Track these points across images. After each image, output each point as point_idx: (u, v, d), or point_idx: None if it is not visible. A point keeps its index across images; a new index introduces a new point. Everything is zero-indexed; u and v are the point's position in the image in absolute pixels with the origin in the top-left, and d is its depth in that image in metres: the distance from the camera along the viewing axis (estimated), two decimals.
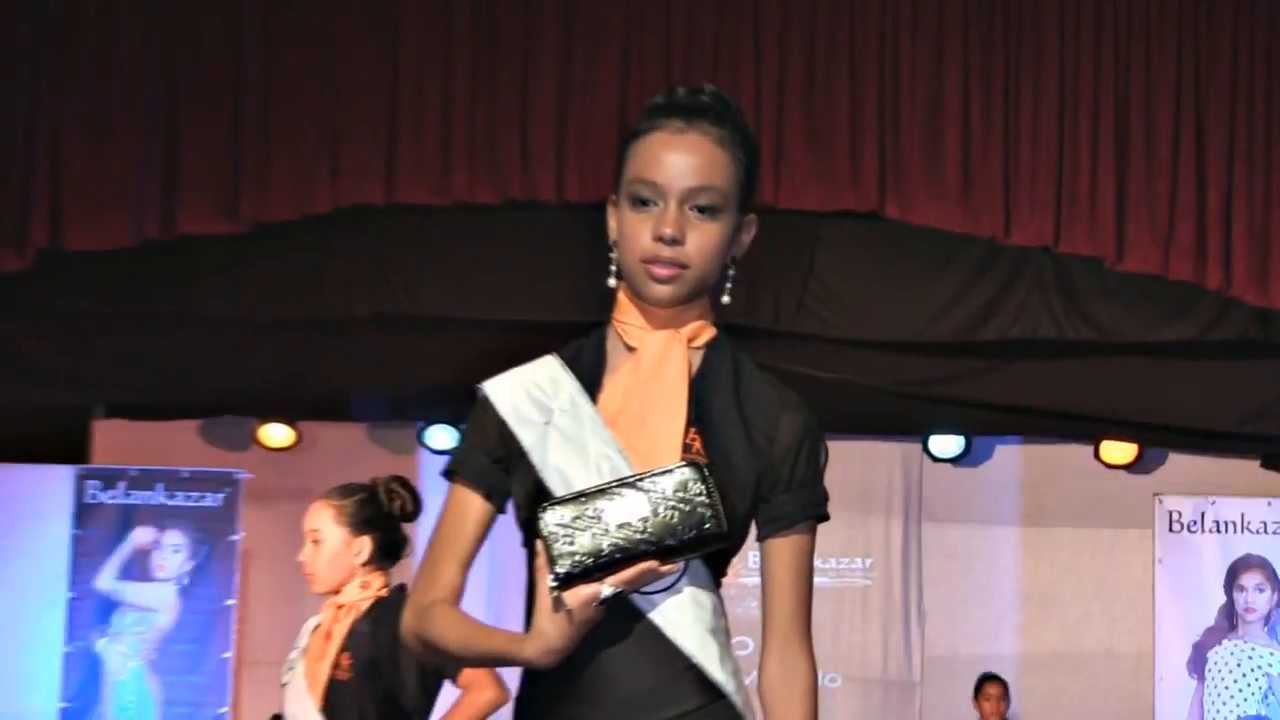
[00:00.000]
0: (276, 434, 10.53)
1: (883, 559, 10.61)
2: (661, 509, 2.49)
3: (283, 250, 8.31)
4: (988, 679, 10.11)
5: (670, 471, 2.52)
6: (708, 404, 2.68)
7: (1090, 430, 10.13)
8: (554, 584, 2.49)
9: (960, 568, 10.64)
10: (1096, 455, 10.48)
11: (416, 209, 8.14)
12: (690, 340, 2.71)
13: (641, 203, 2.62)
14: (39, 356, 8.84)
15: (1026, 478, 10.67)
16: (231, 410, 10.29)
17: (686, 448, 2.63)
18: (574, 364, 2.73)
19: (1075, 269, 8.30)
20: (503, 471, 2.70)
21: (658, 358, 2.68)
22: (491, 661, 2.70)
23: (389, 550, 5.00)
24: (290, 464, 10.47)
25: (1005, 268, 8.36)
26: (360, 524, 5.00)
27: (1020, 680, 10.49)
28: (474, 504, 2.71)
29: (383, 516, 5.03)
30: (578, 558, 2.48)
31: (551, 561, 2.48)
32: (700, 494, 2.51)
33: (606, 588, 2.48)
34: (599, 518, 2.49)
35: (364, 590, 4.97)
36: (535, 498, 2.61)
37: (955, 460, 10.59)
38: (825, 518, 2.73)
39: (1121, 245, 8.05)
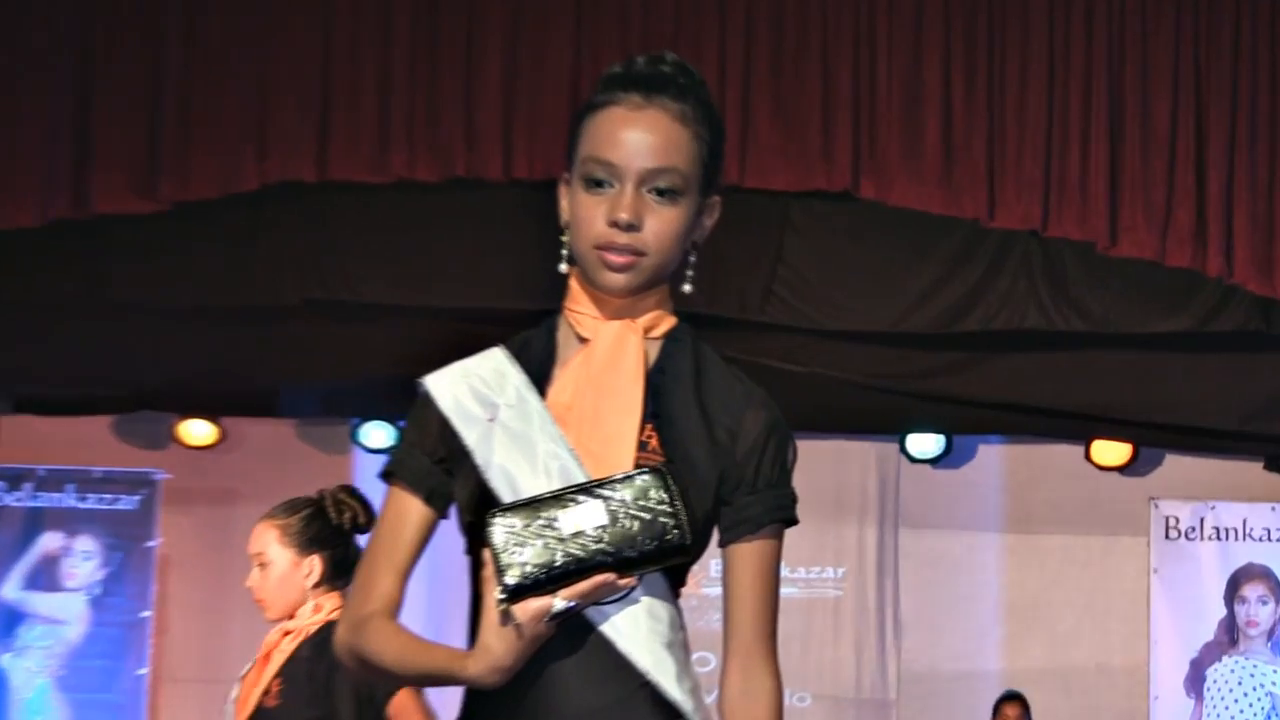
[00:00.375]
0: (197, 431, 10.51)
1: (856, 568, 10.63)
2: (620, 517, 2.51)
3: (205, 232, 8.30)
4: (1007, 699, 10.05)
5: (630, 478, 2.54)
6: (666, 398, 2.70)
7: (1081, 429, 10.16)
8: (502, 596, 2.51)
9: (940, 577, 10.66)
10: (1087, 456, 10.51)
11: (352, 188, 8.14)
12: (647, 331, 2.74)
13: (596, 184, 2.63)
14: None
15: (1011, 480, 10.70)
16: (149, 405, 10.27)
17: (642, 445, 2.65)
18: (522, 356, 2.75)
19: (1065, 255, 8.34)
20: (444, 473, 2.72)
21: (612, 349, 2.70)
22: (432, 680, 2.70)
23: (341, 568, 4.97)
24: (212, 463, 10.46)
25: (989, 253, 8.39)
26: (307, 543, 4.99)
27: None
28: (413, 509, 2.73)
29: (331, 531, 5.02)
30: (528, 568, 2.49)
31: (499, 572, 2.50)
32: (662, 502, 2.53)
33: (559, 601, 2.50)
34: (552, 526, 2.50)
35: (315, 614, 4.96)
36: (480, 500, 2.64)
37: (935, 461, 10.61)
38: (794, 521, 2.75)
39: (1115, 229, 8.09)
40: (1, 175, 7.94)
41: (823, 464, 10.45)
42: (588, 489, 2.53)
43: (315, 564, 4.98)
